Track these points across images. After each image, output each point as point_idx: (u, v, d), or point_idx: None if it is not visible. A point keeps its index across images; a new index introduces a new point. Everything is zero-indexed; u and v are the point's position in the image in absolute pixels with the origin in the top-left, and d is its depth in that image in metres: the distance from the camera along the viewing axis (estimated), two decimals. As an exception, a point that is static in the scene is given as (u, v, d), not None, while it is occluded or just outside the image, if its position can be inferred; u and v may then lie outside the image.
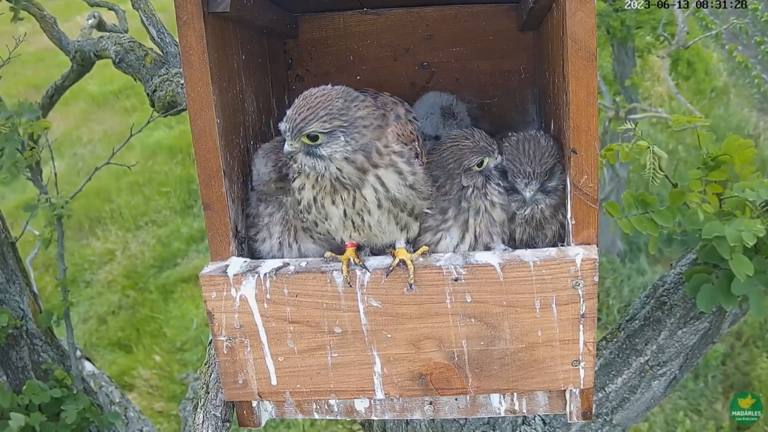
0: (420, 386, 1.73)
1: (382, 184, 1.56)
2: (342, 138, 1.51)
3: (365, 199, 1.57)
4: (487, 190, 1.79)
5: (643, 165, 1.94)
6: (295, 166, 1.62)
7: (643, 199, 2.01)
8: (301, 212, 1.67)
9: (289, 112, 1.53)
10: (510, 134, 1.90)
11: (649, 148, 1.92)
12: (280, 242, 1.85)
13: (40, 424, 2.98)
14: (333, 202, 1.59)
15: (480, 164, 1.78)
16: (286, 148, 1.55)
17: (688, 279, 2.12)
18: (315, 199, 1.60)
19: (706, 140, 2.03)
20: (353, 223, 1.61)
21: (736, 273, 1.89)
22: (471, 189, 1.77)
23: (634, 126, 1.98)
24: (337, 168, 1.53)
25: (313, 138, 1.51)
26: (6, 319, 3.02)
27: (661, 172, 1.94)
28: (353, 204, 1.57)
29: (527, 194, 1.78)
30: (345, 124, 1.50)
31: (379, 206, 1.58)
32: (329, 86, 1.56)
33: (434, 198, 1.74)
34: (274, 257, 1.85)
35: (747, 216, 2.00)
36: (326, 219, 1.63)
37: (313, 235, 1.83)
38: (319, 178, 1.56)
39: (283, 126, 1.54)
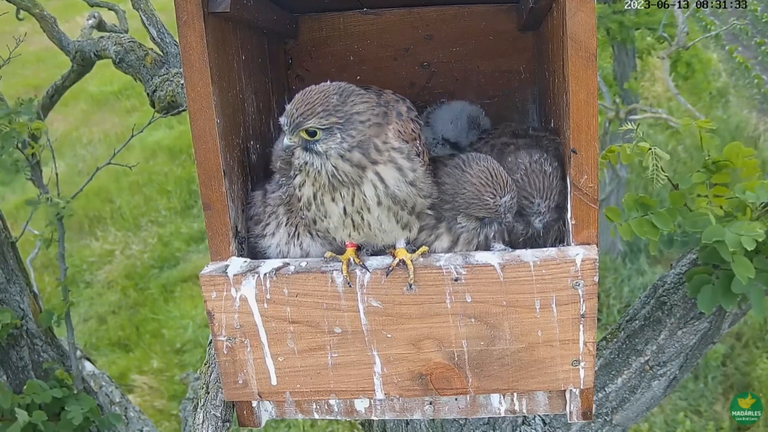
0: (420, 386, 1.73)
1: (381, 180, 1.56)
2: (338, 135, 1.52)
3: (365, 196, 1.56)
4: (480, 231, 1.75)
5: (645, 167, 1.93)
6: (296, 162, 1.62)
7: (644, 202, 2.01)
8: (300, 209, 1.67)
9: (288, 107, 1.55)
10: (514, 154, 1.82)
11: (650, 149, 1.92)
12: (288, 234, 1.84)
13: (42, 422, 2.98)
14: (333, 200, 1.58)
15: (482, 218, 1.73)
16: (286, 142, 1.57)
17: (689, 279, 2.12)
18: (315, 196, 1.60)
19: (708, 143, 2.03)
20: (353, 221, 1.61)
21: (737, 275, 1.89)
22: (462, 225, 1.74)
23: (635, 127, 1.98)
24: (333, 165, 1.53)
25: (312, 133, 1.52)
26: (9, 317, 3.03)
27: (664, 174, 1.93)
28: (353, 201, 1.57)
29: (538, 226, 1.78)
30: (341, 121, 1.51)
31: (379, 203, 1.57)
32: (328, 83, 1.56)
33: (435, 199, 1.72)
34: (281, 251, 1.85)
35: (748, 217, 2.00)
36: (325, 217, 1.62)
37: (311, 232, 1.83)
38: (316, 175, 1.56)
39: (282, 120, 1.56)
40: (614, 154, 2.05)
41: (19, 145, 3.14)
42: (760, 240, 1.84)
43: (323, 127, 1.51)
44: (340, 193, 1.57)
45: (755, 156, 1.99)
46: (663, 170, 1.93)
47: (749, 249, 1.83)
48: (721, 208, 1.97)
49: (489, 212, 1.69)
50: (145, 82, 3.22)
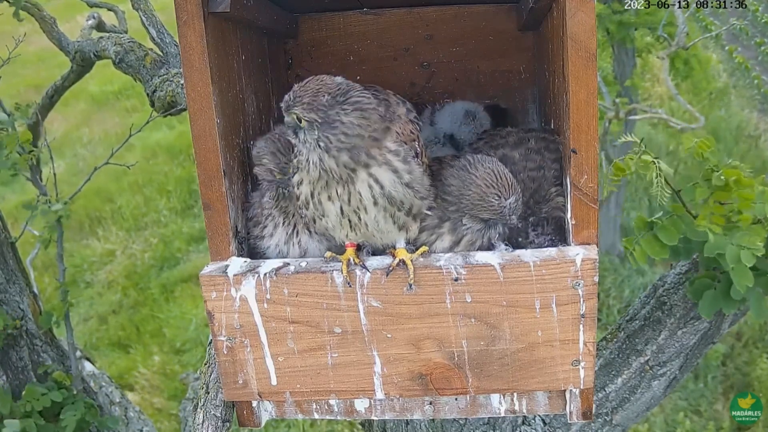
0: (420, 386, 1.73)
1: (377, 181, 1.56)
2: (316, 132, 1.53)
3: (360, 196, 1.56)
4: (484, 233, 1.75)
5: (650, 181, 1.93)
6: (295, 161, 1.62)
7: (651, 221, 2.04)
8: (299, 208, 1.68)
9: (295, 86, 1.56)
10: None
11: (654, 162, 1.91)
12: (286, 233, 1.84)
13: (39, 426, 2.98)
14: (329, 198, 1.59)
15: (487, 219, 1.73)
16: (286, 117, 1.59)
17: (690, 284, 2.13)
18: (312, 194, 1.61)
19: (709, 154, 2.03)
20: (350, 221, 1.61)
21: (736, 284, 1.92)
22: (467, 227, 1.74)
23: (640, 141, 1.96)
24: (318, 157, 1.54)
25: (299, 120, 1.54)
26: (1, 323, 3.03)
27: (669, 190, 1.93)
28: (349, 201, 1.57)
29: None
30: (319, 121, 1.52)
31: (375, 203, 1.57)
32: (337, 79, 1.57)
33: (435, 199, 1.72)
34: (280, 251, 1.85)
35: (748, 222, 2.00)
36: (323, 215, 1.63)
37: (310, 229, 1.83)
38: (307, 165, 1.57)
39: (285, 97, 1.58)
40: (623, 171, 2.04)
41: (18, 151, 3.15)
42: (760, 254, 1.86)
43: (304, 118, 1.53)
44: (336, 191, 1.57)
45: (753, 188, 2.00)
46: (668, 183, 1.93)
47: (748, 265, 1.85)
48: (723, 222, 1.97)
49: (494, 213, 1.69)
50: (145, 83, 3.22)
